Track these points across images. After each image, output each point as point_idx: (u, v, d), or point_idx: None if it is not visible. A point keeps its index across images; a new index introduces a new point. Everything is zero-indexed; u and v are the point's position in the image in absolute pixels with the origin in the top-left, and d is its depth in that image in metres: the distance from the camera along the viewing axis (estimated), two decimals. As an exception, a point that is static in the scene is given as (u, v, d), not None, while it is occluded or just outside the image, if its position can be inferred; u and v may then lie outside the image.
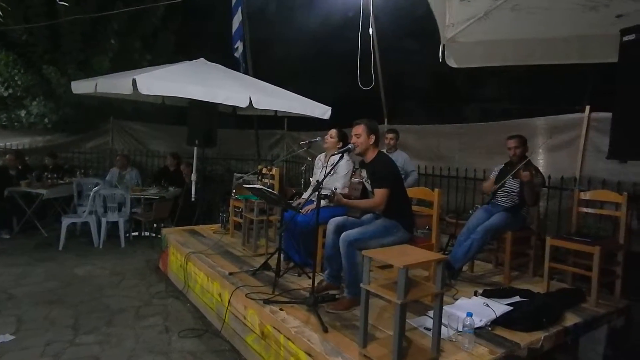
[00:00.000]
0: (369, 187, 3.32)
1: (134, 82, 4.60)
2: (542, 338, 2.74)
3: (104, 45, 8.43)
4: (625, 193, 3.61)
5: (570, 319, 3.04)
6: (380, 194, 3.16)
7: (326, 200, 3.11)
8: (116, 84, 5.07)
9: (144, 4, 8.29)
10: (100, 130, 9.34)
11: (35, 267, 5.18)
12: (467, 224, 4.02)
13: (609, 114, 3.22)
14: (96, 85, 5.30)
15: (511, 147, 4.00)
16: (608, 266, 3.51)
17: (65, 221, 6.05)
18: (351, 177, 3.97)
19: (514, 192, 3.98)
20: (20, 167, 7.11)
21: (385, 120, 7.33)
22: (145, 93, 4.74)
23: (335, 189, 3.45)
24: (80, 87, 5.73)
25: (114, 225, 6.34)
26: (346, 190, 3.87)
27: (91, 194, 6.06)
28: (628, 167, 4.29)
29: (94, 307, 4.10)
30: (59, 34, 8.16)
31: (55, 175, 6.88)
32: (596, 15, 3.29)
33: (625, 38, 2.52)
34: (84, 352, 3.26)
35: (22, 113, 8.37)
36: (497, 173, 4.21)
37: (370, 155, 3.31)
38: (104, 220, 6.19)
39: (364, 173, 3.39)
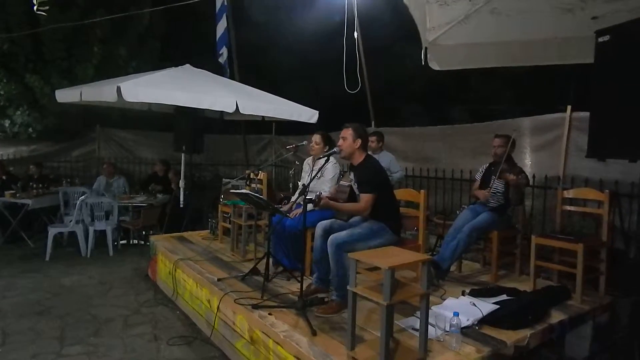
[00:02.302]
0: (357, 190, 3.35)
1: (119, 89, 4.58)
2: (528, 335, 2.77)
3: (87, 53, 8.37)
4: (607, 191, 3.68)
5: (556, 316, 3.08)
6: (365, 199, 3.17)
7: (312, 204, 3.12)
8: (101, 92, 5.04)
9: (127, 11, 8.25)
10: (86, 139, 9.25)
11: (21, 278, 5.11)
12: (454, 224, 4.07)
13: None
14: (81, 93, 5.26)
15: (495, 145, 4.07)
16: (592, 263, 3.56)
17: (52, 231, 5.98)
18: (339, 180, 3.99)
19: (499, 192, 4.03)
20: (4, 177, 7.02)
21: (373, 123, 7.39)
22: (130, 100, 4.72)
23: (321, 192, 3.47)
24: (65, 95, 5.68)
25: (101, 234, 6.28)
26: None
27: (78, 202, 5.99)
28: (610, 165, 4.36)
29: (81, 317, 4.06)
30: (42, 42, 8.08)
31: (40, 185, 6.79)
32: (573, 18, 3.38)
33: (601, 39, 2.57)
34: (71, 363, 3.23)
35: (6, 123, 8.27)
36: (482, 173, 4.28)
37: (358, 159, 3.32)
38: (91, 229, 6.13)
39: (352, 176, 3.40)
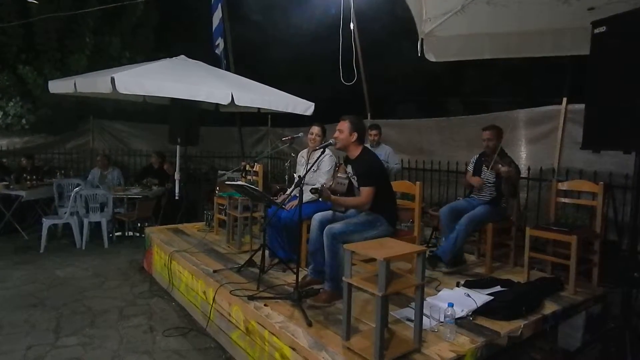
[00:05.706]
0: (355, 183, 3.34)
1: (113, 80, 4.53)
2: (522, 326, 2.80)
3: (80, 43, 8.26)
4: (601, 182, 3.70)
5: (549, 307, 3.11)
6: (366, 192, 3.17)
7: (316, 194, 3.11)
8: (95, 83, 4.98)
9: (120, 1, 8.13)
10: (80, 131, 9.18)
11: (15, 270, 5.09)
12: (449, 204, 4.11)
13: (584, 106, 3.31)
14: (75, 84, 5.19)
15: (485, 138, 4.07)
16: (585, 255, 3.59)
17: (46, 223, 5.94)
18: (335, 173, 3.97)
19: (490, 183, 4.04)
20: (-3, 169, 6.97)
21: (369, 115, 7.38)
22: (123, 92, 4.66)
23: (325, 183, 3.46)
24: (58, 86, 5.61)
25: (96, 226, 6.25)
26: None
27: (72, 194, 5.96)
28: (604, 157, 4.39)
29: (76, 309, 4.05)
30: (34, 32, 7.97)
31: (34, 176, 6.74)
32: (569, 9, 3.37)
33: (597, 30, 2.56)
34: (66, 355, 3.22)
35: (-1, 114, 8.17)
36: (473, 163, 4.28)
37: (355, 152, 3.31)
38: (86, 221, 6.10)
39: (349, 169, 3.40)
